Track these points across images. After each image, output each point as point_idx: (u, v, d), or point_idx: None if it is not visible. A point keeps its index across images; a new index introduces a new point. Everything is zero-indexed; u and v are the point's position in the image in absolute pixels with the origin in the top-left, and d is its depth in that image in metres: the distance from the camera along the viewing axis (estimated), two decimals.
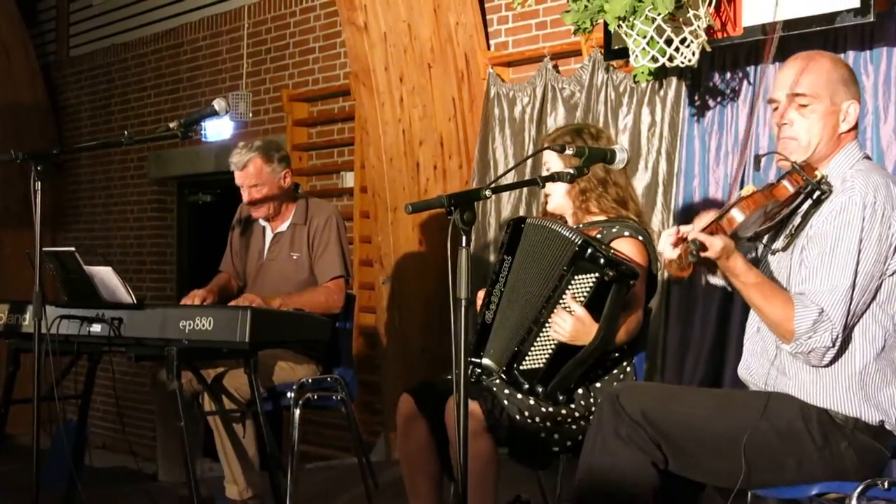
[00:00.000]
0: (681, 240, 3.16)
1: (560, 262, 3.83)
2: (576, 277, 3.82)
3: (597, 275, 3.78)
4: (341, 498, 5.78)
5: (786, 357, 3.28)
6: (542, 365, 3.88)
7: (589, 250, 3.77)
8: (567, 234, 3.84)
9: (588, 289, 3.80)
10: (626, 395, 3.31)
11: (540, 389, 3.86)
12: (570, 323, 3.79)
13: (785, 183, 3.24)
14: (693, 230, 3.17)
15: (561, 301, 3.82)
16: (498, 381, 3.97)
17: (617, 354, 4.02)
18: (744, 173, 5.42)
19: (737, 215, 3.16)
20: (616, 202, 4.13)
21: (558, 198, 4.18)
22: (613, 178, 4.13)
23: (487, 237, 6.80)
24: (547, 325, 3.85)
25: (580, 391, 3.96)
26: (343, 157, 8.11)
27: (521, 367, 3.91)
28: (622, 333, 3.90)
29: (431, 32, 6.90)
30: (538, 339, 3.89)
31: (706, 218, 3.26)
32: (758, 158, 3.52)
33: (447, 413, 3.89)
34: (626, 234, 4.04)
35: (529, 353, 3.90)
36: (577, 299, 3.81)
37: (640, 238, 4.04)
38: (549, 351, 3.87)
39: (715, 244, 3.11)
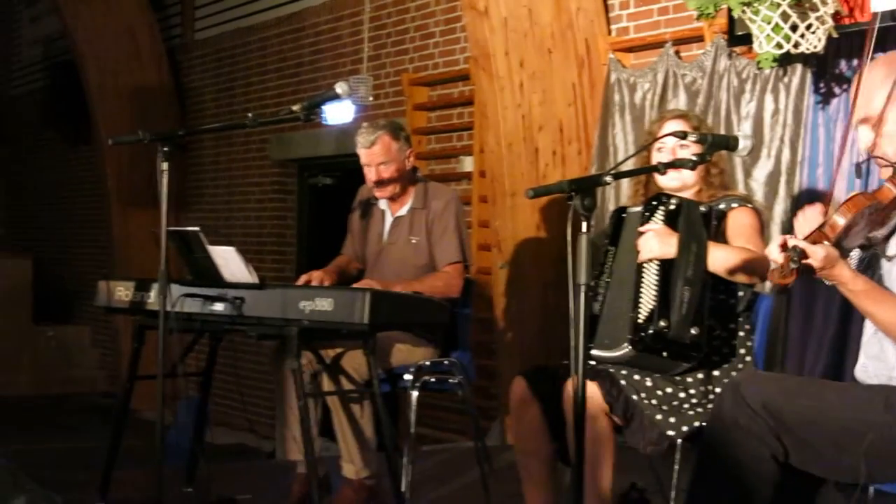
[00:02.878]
0: (785, 246, 3.10)
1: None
2: (652, 218, 3.99)
3: (662, 209, 3.96)
4: (456, 481, 5.80)
5: None
6: (654, 303, 3.85)
7: (654, 201, 3.99)
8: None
9: (660, 219, 3.96)
10: (748, 385, 3.27)
11: (664, 325, 3.79)
12: (651, 237, 3.89)
13: (888, 185, 3.17)
14: (796, 236, 3.12)
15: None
16: (612, 367, 3.95)
17: (738, 306, 4.00)
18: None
19: (838, 220, 3.09)
20: (722, 188, 4.16)
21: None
22: (722, 164, 4.17)
23: (605, 223, 6.74)
24: (642, 268, 3.87)
25: (699, 375, 3.93)
26: (462, 141, 8.13)
27: (639, 320, 3.87)
28: (736, 261, 3.87)
29: (552, 17, 6.88)
30: (641, 286, 3.89)
31: (808, 214, 3.23)
32: (858, 166, 3.46)
33: (564, 395, 3.89)
34: (735, 205, 4.09)
35: (641, 302, 3.87)
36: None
37: (750, 205, 4.10)
38: (654, 288, 3.85)
39: (817, 253, 3.03)
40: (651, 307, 3.84)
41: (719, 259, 3.87)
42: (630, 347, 3.86)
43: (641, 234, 3.94)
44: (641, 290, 3.89)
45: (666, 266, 3.84)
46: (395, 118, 8.28)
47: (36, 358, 12.62)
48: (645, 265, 3.90)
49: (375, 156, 5.23)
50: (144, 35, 11.28)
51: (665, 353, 3.82)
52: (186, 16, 11.45)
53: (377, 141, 5.22)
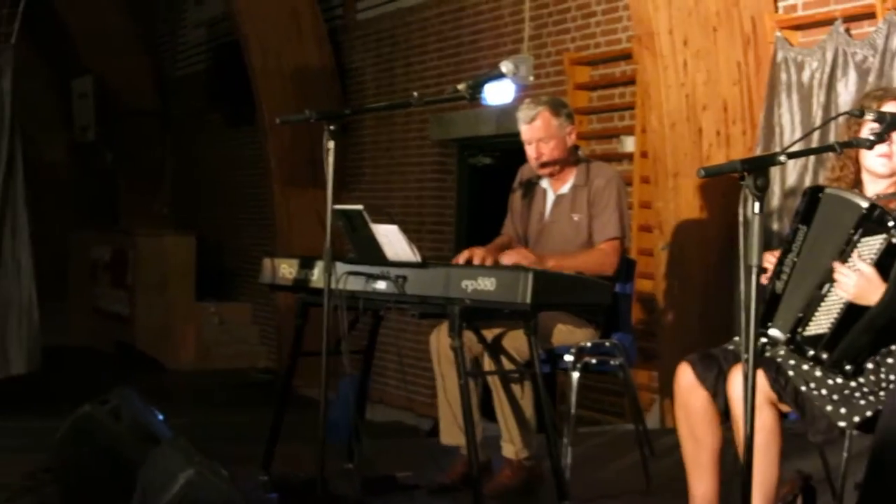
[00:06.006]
0: None
1: (848, 226, 3.72)
2: (863, 240, 3.71)
3: (884, 236, 3.67)
4: (616, 464, 5.76)
5: None
6: (826, 330, 3.76)
7: (876, 212, 3.67)
8: (857, 201, 3.74)
9: (875, 250, 3.69)
10: None
11: (825, 356, 3.73)
12: (853, 279, 3.67)
13: None
14: None
15: (848, 262, 3.72)
16: (783, 352, 3.87)
17: None
18: None
19: None
20: None
21: None
22: None
23: (771, 205, 6.62)
24: (832, 287, 3.74)
25: (869, 365, 3.82)
26: (623, 121, 8.04)
27: (806, 333, 3.79)
28: None
29: None
30: (823, 302, 3.77)
31: None
32: None
33: (729, 383, 3.83)
34: None
35: (814, 318, 3.78)
36: (864, 260, 3.69)
37: None
38: (835, 315, 3.75)
39: None
40: (821, 332, 3.76)
41: None
42: (785, 346, 3.84)
43: (846, 247, 3.76)
44: (822, 305, 3.78)
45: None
46: (555, 96, 8.24)
47: (199, 334, 12.90)
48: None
49: (535, 131, 5.19)
50: (307, 16, 11.40)
51: (816, 371, 3.77)
52: None
53: (537, 117, 5.18)
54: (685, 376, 4.09)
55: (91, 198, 16.87)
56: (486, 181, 9.90)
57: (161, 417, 4.86)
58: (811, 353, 3.76)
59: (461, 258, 5.10)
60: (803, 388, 3.76)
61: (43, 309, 9.30)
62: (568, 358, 4.99)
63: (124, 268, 13.58)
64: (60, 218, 16.26)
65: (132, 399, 4.80)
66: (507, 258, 4.91)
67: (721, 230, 6.86)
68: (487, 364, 4.95)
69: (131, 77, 15.38)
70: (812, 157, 6.35)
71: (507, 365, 4.91)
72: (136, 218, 15.23)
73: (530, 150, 5.25)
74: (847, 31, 6.39)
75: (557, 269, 4.88)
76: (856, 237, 3.72)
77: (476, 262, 5.06)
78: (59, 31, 15.24)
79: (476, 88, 4.68)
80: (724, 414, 3.97)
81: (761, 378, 3.73)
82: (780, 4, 6.88)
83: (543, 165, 5.24)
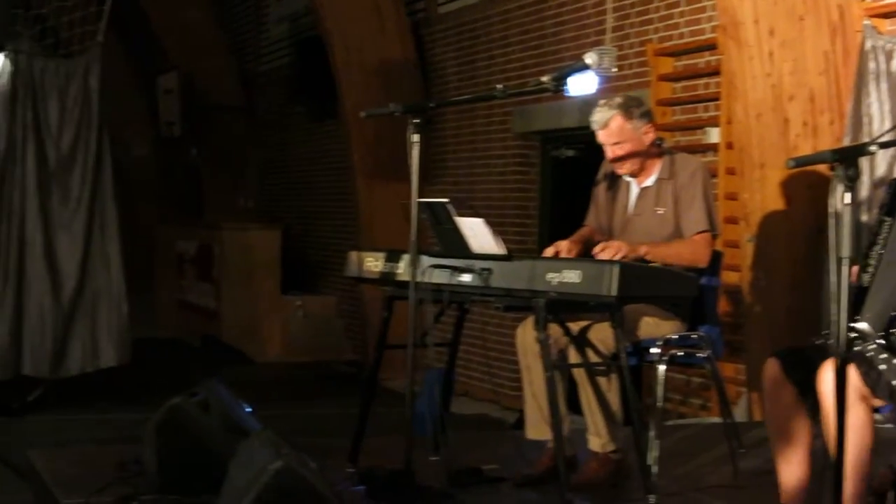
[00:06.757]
0: None
1: None
2: None
3: None
4: (703, 457, 5.72)
5: None
6: None
7: None
8: None
9: None
10: None
11: None
12: None
13: None
14: None
15: None
16: (873, 346, 3.82)
17: None
18: None
19: None
20: None
21: None
22: None
23: (860, 195, 6.53)
24: None
25: None
26: (708, 112, 7.98)
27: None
28: None
29: None
30: None
31: None
32: None
33: (819, 378, 3.79)
34: None
35: None
36: None
37: None
38: None
39: None
40: None
41: None
42: (876, 342, 3.78)
43: None
44: None
45: None
46: (639, 90, 8.20)
47: (285, 327, 12.99)
48: None
49: (609, 136, 5.19)
50: (389, 10, 11.43)
51: None
52: None
53: (609, 123, 5.17)
54: (773, 371, 4.07)
55: (177, 192, 17.09)
56: (568, 173, 9.88)
57: (249, 409, 4.92)
58: None
59: (547, 253, 5.11)
60: (895, 383, 3.72)
61: (131, 302, 9.43)
62: (654, 350, 4.97)
63: (210, 261, 13.72)
64: (147, 212, 16.51)
65: (221, 391, 4.87)
66: (604, 254, 4.87)
67: (808, 221, 6.78)
68: (573, 357, 4.95)
69: (216, 73, 15.54)
70: None
71: (593, 357, 4.90)
72: (221, 212, 15.40)
73: (606, 152, 5.25)
74: None
75: (650, 257, 4.87)
76: None
77: (562, 255, 5.07)
78: (145, 28, 15.45)
79: (560, 80, 4.67)
80: (814, 408, 3.94)
81: (853, 373, 3.69)
82: None
83: (620, 166, 5.24)
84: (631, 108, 5.21)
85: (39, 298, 9.01)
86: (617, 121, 5.17)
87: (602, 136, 5.23)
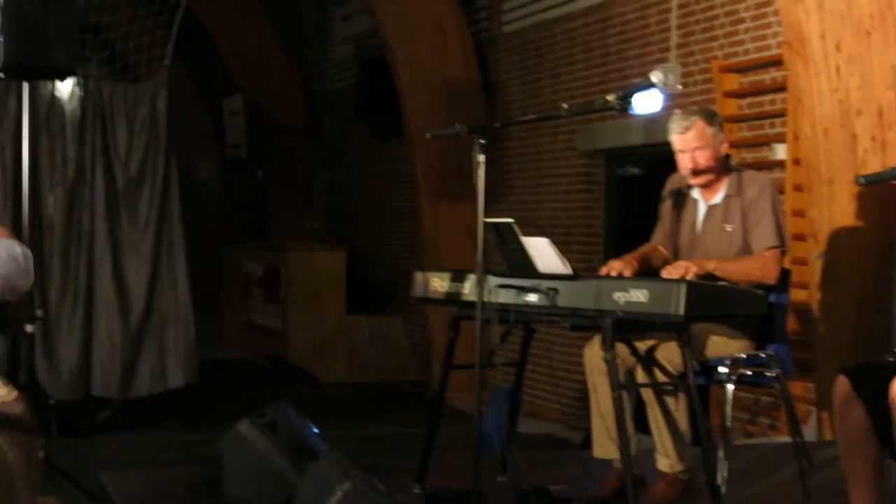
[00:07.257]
0: None
1: None
2: None
3: None
4: (773, 477, 5.67)
5: None
6: None
7: None
8: None
9: None
10: None
11: None
12: None
13: None
14: None
15: None
16: None
17: None
18: None
19: None
20: None
21: None
22: None
23: None
24: None
25: None
26: (774, 128, 7.92)
27: None
28: None
29: None
30: None
31: None
32: None
33: (890, 394, 3.75)
34: None
35: None
36: None
37: None
38: None
39: None
40: None
41: None
42: None
43: None
44: None
45: None
46: (704, 106, 8.15)
47: (351, 347, 13.03)
48: None
49: (690, 141, 5.15)
50: (453, 30, 11.46)
51: None
52: (494, 10, 11.56)
53: (692, 126, 5.13)
54: (843, 388, 4.03)
55: (243, 213, 17.21)
56: (634, 192, 9.84)
57: (316, 430, 4.94)
58: None
59: (602, 272, 5.09)
60: None
61: (198, 323, 9.50)
62: (722, 370, 4.92)
63: (276, 282, 13.79)
64: (214, 234, 16.62)
65: (288, 413, 4.89)
66: (669, 273, 4.84)
67: (877, 238, 6.70)
68: (641, 376, 4.92)
69: (281, 94, 15.65)
70: None
71: (661, 377, 4.87)
72: (287, 232, 15.48)
73: (684, 160, 5.19)
74: None
75: (718, 272, 4.84)
76: None
77: (613, 273, 5.04)
78: (211, 51, 15.59)
79: (625, 99, 4.66)
80: (882, 425, 3.89)
81: None
82: None
83: (697, 175, 5.19)
84: (711, 116, 5.23)
85: (108, 320, 9.10)
86: (699, 125, 5.14)
87: (681, 142, 5.18)
